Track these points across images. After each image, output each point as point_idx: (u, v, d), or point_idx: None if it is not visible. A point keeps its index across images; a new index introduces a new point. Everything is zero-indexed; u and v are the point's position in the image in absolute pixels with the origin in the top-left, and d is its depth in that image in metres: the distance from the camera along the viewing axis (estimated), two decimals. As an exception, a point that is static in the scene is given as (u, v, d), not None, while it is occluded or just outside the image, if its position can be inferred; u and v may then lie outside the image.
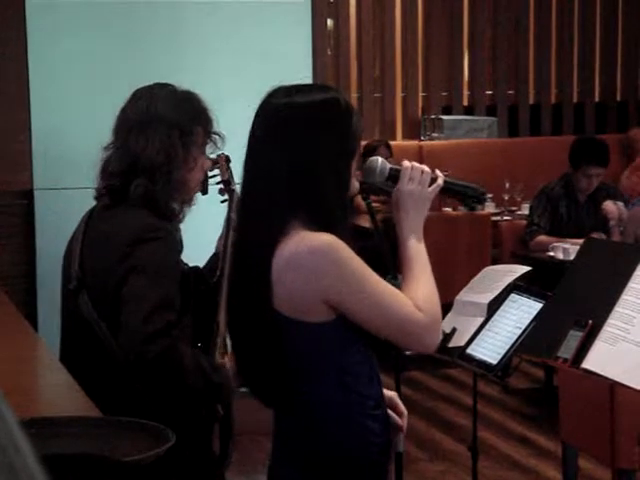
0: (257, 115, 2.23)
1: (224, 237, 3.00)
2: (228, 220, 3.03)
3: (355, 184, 2.28)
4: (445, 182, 2.37)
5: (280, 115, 2.18)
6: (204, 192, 2.91)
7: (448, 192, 2.47)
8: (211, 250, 3.09)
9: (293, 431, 2.26)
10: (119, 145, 2.78)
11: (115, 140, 2.81)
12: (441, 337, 2.49)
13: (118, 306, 2.59)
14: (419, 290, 2.23)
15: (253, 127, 2.23)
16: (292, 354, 2.18)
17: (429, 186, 2.33)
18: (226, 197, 3.12)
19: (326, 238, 2.12)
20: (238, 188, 3.09)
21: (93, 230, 2.79)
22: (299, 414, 2.23)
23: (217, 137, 2.83)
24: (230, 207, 3.08)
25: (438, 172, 2.37)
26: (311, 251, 2.11)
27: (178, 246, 2.75)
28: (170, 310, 2.56)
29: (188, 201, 2.85)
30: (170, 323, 2.53)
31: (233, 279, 2.32)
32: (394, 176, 2.34)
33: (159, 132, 2.73)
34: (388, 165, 2.36)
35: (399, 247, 2.33)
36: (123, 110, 2.83)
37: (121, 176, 2.74)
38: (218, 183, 3.09)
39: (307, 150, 2.16)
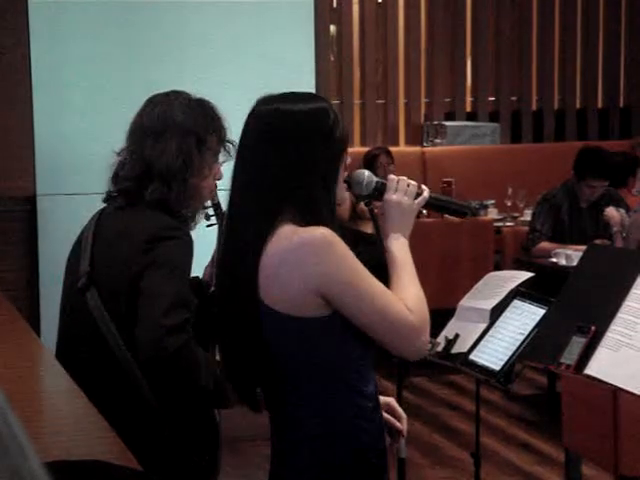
0: (247, 122, 2.29)
1: (215, 257, 2.99)
2: (220, 239, 3.02)
3: (344, 193, 2.34)
4: (430, 196, 2.43)
5: (271, 121, 2.24)
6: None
7: (433, 206, 2.55)
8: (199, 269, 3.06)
9: (292, 434, 2.25)
10: (133, 150, 2.80)
11: (129, 145, 2.83)
12: (429, 347, 2.52)
13: (130, 302, 2.60)
14: (409, 293, 2.26)
15: (243, 133, 2.29)
16: (288, 353, 2.19)
17: (415, 199, 2.38)
18: (212, 222, 3.11)
19: (321, 230, 2.15)
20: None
21: (106, 229, 2.80)
22: (297, 417, 2.23)
23: (230, 146, 2.85)
24: (220, 229, 3.07)
25: (423, 186, 2.44)
26: (305, 243, 2.14)
27: (192, 249, 2.76)
28: (187, 307, 2.58)
29: (200, 208, 2.87)
30: (187, 319, 2.56)
31: (221, 282, 2.33)
32: (380, 189, 2.39)
33: (176, 139, 2.76)
34: (374, 178, 2.43)
35: (386, 255, 2.36)
36: (139, 116, 2.84)
37: (135, 181, 2.76)
38: (205, 208, 3.07)
39: (296, 155, 2.21)
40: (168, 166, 2.73)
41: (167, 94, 2.87)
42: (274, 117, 2.24)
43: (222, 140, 2.85)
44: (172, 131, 2.76)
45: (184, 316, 2.55)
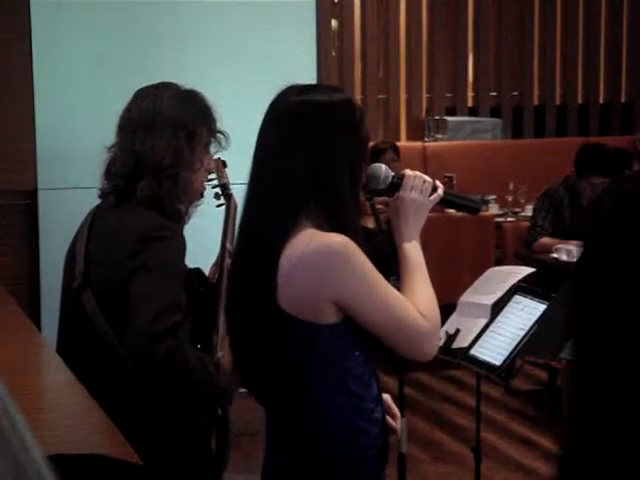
0: (270, 112, 2.21)
1: (221, 239, 2.98)
2: (226, 224, 3.01)
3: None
4: (445, 193, 2.41)
5: (297, 112, 2.16)
6: (200, 196, 2.88)
7: (447, 203, 2.53)
8: (206, 255, 3.05)
9: (290, 432, 2.25)
10: (123, 146, 2.76)
11: (119, 140, 2.79)
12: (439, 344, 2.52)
13: (123, 304, 2.57)
14: (421, 297, 2.24)
15: (264, 124, 2.21)
16: (297, 355, 2.17)
17: (429, 196, 2.35)
18: (221, 202, 3.09)
19: (339, 239, 2.11)
20: (234, 191, 3.08)
21: (99, 228, 2.77)
22: (298, 415, 2.22)
23: (221, 136, 2.82)
24: (227, 211, 3.05)
25: (438, 183, 2.41)
26: (323, 251, 2.10)
27: (184, 247, 2.73)
28: (177, 310, 2.55)
29: (194, 202, 2.84)
30: (177, 324, 2.52)
31: (236, 277, 2.30)
32: (396, 184, 2.36)
33: (165, 133, 2.71)
34: (391, 173, 2.39)
35: (397, 254, 2.34)
36: (127, 110, 2.80)
37: (127, 177, 2.72)
38: (214, 187, 3.06)
39: (325, 148, 2.15)
40: (158, 162, 2.69)
41: (155, 86, 2.81)
42: (302, 107, 2.16)
43: (212, 131, 2.81)
44: (161, 125, 2.71)
45: (174, 320, 2.51)
